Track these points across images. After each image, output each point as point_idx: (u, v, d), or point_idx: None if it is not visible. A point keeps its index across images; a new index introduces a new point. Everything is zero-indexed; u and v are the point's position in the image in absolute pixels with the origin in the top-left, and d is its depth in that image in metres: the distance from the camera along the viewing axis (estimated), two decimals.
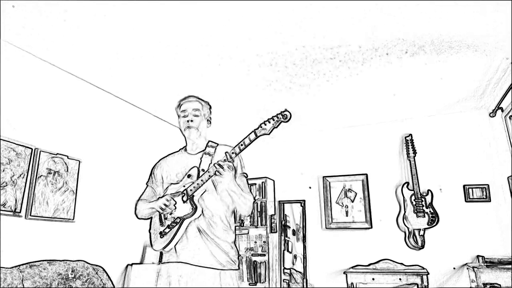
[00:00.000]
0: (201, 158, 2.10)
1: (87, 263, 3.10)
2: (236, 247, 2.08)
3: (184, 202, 2.00)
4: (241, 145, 1.92)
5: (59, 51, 2.97)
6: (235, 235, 2.11)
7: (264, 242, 4.75)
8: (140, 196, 2.20)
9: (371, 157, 4.61)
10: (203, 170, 2.03)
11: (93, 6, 2.44)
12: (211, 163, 2.05)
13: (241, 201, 2.02)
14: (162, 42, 2.87)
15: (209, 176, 1.97)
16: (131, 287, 3.49)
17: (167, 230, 2.00)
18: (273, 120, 1.91)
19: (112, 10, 2.49)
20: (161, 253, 2.04)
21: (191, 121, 2.13)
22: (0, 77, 2.75)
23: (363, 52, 3.03)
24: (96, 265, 3.17)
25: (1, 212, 2.66)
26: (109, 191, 3.58)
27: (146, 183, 2.24)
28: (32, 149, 2.92)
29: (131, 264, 3.64)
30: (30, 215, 2.85)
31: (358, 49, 2.98)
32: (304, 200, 4.83)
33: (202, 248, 1.96)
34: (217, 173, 1.92)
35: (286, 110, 1.90)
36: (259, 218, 4.81)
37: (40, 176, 2.97)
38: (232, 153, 1.93)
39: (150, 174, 2.23)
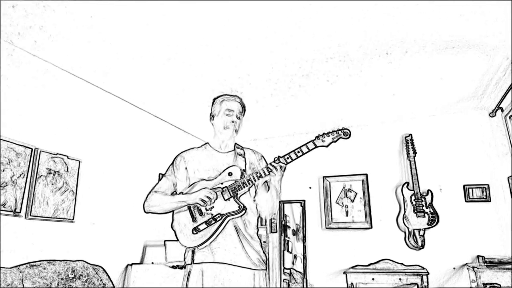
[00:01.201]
0: (235, 159, 2.10)
1: (87, 263, 3.11)
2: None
3: (225, 199, 1.97)
4: (298, 152, 1.96)
5: (59, 51, 2.97)
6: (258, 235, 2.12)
7: (264, 242, 4.75)
8: (153, 188, 2.05)
9: (371, 157, 4.60)
10: (244, 170, 2.04)
11: (93, 6, 2.44)
12: (245, 163, 2.08)
13: (276, 203, 2.08)
14: (162, 42, 2.87)
15: (258, 176, 1.97)
16: (131, 287, 3.49)
17: (202, 226, 1.93)
18: (333, 134, 1.98)
19: (112, 10, 2.50)
20: (193, 251, 1.95)
21: (235, 122, 2.14)
22: (0, 77, 2.75)
23: (363, 52, 3.03)
24: (96, 265, 3.17)
25: (1, 212, 2.66)
26: (109, 191, 3.59)
27: (163, 175, 2.11)
28: (32, 149, 2.93)
29: (131, 264, 3.64)
30: (30, 215, 2.85)
31: (358, 49, 2.99)
32: (304, 200, 4.83)
33: (238, 247, 1.93)
34: (271, 173, 1.96)
35: (346, 128, 1.98)
36: (259, 218, 4.81)
37: (40, 176, 2.97)
38: (287, 158, 1.97)
39: (171, 166, 2.11)
